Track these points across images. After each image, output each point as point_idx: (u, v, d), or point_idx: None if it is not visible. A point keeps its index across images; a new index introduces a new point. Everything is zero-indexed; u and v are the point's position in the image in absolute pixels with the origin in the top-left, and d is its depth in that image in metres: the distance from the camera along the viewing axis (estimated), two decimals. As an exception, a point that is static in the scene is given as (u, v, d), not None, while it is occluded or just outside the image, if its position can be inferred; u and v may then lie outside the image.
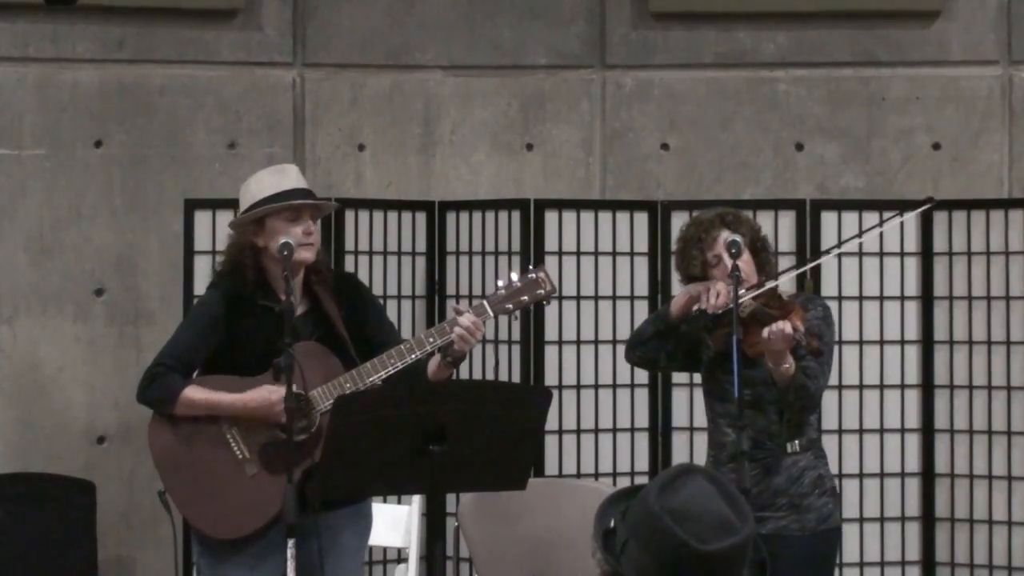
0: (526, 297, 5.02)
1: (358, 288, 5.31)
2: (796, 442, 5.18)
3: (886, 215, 6.60)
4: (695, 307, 5.13)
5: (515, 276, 5.04)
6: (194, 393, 5.02)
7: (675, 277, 5.43)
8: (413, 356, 4.96)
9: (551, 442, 6.74)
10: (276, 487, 4.94)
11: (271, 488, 4.97)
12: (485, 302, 5.01)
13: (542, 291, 5.03)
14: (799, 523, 5.15)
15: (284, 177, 5.13)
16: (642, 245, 6.88)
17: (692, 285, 5.20)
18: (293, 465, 4.74)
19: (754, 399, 5.09)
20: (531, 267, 5.13)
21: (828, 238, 6.78)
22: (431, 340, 4.96)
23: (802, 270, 5.83)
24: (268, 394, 4.96)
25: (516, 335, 6.78)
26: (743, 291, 4.96)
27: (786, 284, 5.52)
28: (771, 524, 5.11)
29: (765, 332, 4.91)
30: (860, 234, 6.30)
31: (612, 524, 2.76)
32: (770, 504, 5.11)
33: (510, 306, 5.01)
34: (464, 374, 6.81)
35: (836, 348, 6.65)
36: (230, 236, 5.22)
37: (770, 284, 5.17)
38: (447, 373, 5.04)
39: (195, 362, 5.14)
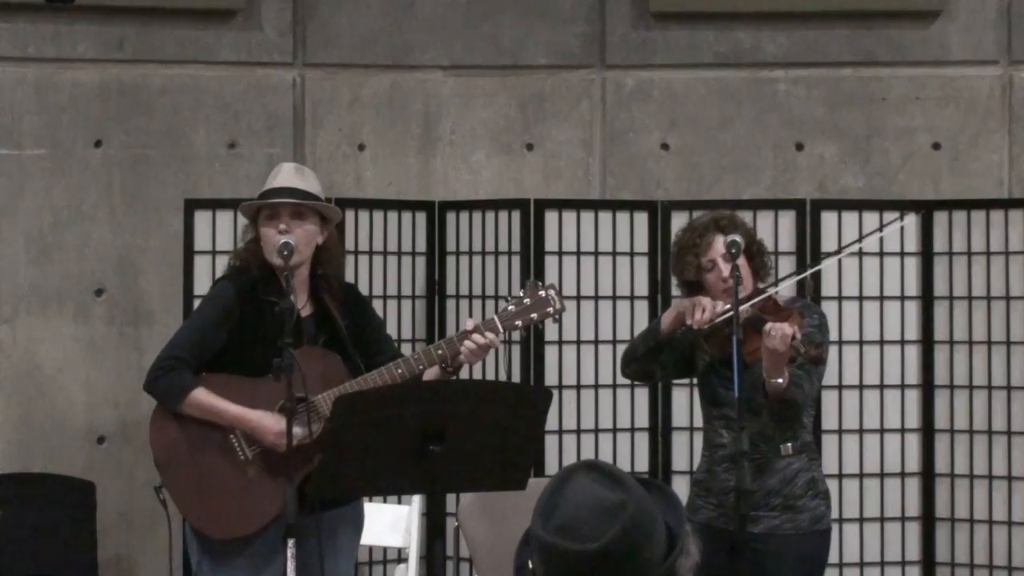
0: (535, 315, 5.04)
1: (359, 298, 5.33)
2: (790, 444, 5.19)
3: (885, 218, 6.62)
4: (681, 328, 5.16)
5: (525, 291, 5.05)
6: (203, 396, 5.01)
7: (675, 278, 5.44)
8: (421, 367, 4.97)
9: (551, 442, 6.74)
10: (276, 489, 4.95)
11: (271, 490, 4.97)
12: (496, 318, 5.02)
13: (551, 309, 5.04)
14: (792, 523, 5.16)
15: (274, 176, 5.15)
16: (642, 245, 6.88)
17: (679, 301, 5.23)
18: (293, 466, 4.74)
19: (748, 402, 5.09)
20: (542, 284, 5.11)
21: (828, 238, 6.78)
22: (439, 352, 4.97)
23: (800, 276, 5.83)
24: (274, 423, 4.96)
25: (516, 335, 6.78)
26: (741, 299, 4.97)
27: (786, 288, 5.53)
28: (764, 524, 5.13)
29: (767, 326, 4.91)
30: (859, 239, 6.33)
31: (530, 565, 2.75)
32: (763, 504, 5.12)
33: (519, 323, 5.04)
34: (464, 373, 6.81)
35: (836, 348, 6.68)
36: (244, 231, 5.24)
37: (768, 292, 5.17)
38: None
39: (207, 354, 5.12)
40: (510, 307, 5.02)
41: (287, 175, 5.14)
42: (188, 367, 5.05)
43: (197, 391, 5.01)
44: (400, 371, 4.95)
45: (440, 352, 4.96)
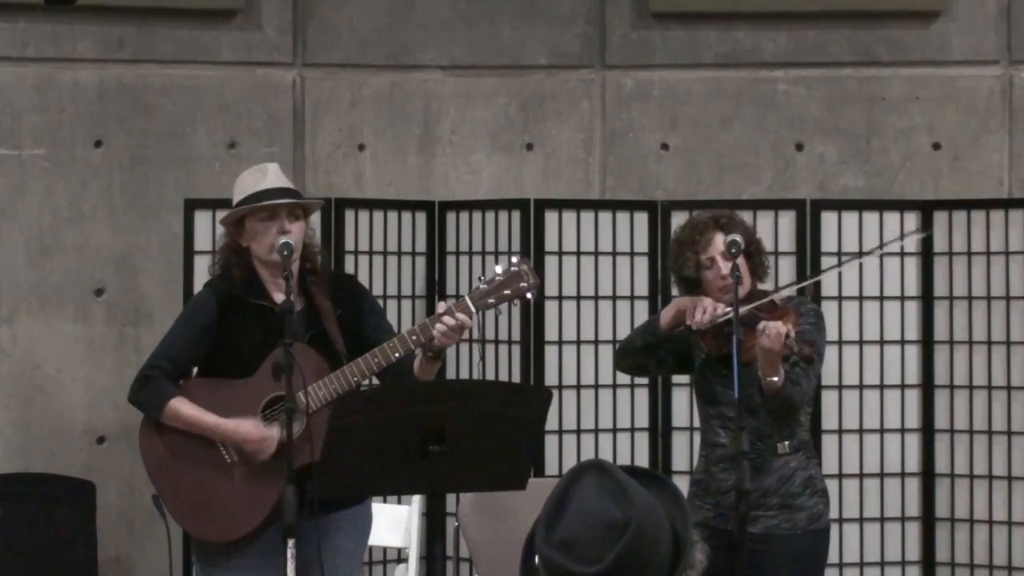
0: (509, 291, 4.95)
1: (355, 289, 5.31)
2: (787, 443, 5.18)
3: (886, 224, 6.64)
4: (680, 327, 5.15)
5: (498, 269, 5.00)
6: (182, 406, 5.03)
7: (673, 275, 5.44)
8: (396, 355, 4.94)
9: (551, 442, 6.74)
10: (265, 490, 4.96)
11: (261, 491, 4.97)
12: (467, 298, 4.97)
13: (525, 284, 4.95)
14: (790, 522, 5.16)
15: (262, 176, 5.15)
16: (642, 245, 6.88)
17: (679, 299, 5.22)
18: (290, 465, 4.74)
19: (745, 400, 5.09)
20: (512, 260, 5.03)
21: (828, 238, 6.78)
22: (414, 338, 4.94)
23: (802, 285, 5.83)
24: (252, 430, 4.98)
25: (516, 335, 6.78)
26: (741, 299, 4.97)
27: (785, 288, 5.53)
28: (761, 523, 5.13)
29: (760, 325, 4.92)
30: (860, 255, 6.35)
31: (536, 561, 2.75)
32: (761, 504, 5.12)
33: (492, 301, 4.96)
34: (454, 373, 6.81)
35: (836, 348, 6.69)
36: (221, 237, 5.25)
37: (770, 297, 5.17)
38: (432, 368, 5.02)
39: (189, 363, 5.16)
40: (482, 286, 4.98)
41: (276, 175, 5.17)
42: (168, 377, 5.07)
43: (175, 402, 5.03)
44: (376, 360, 4.93)
45: (415, 338, 4.93)
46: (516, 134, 7.36)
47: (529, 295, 5.00)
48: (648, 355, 5.30)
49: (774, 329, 4.90)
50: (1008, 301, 6.74)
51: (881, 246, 6.26)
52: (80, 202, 7.11)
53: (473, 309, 4.93)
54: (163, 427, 5.08)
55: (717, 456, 5.22)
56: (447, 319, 4.89)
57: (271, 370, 4.77)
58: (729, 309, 5.01)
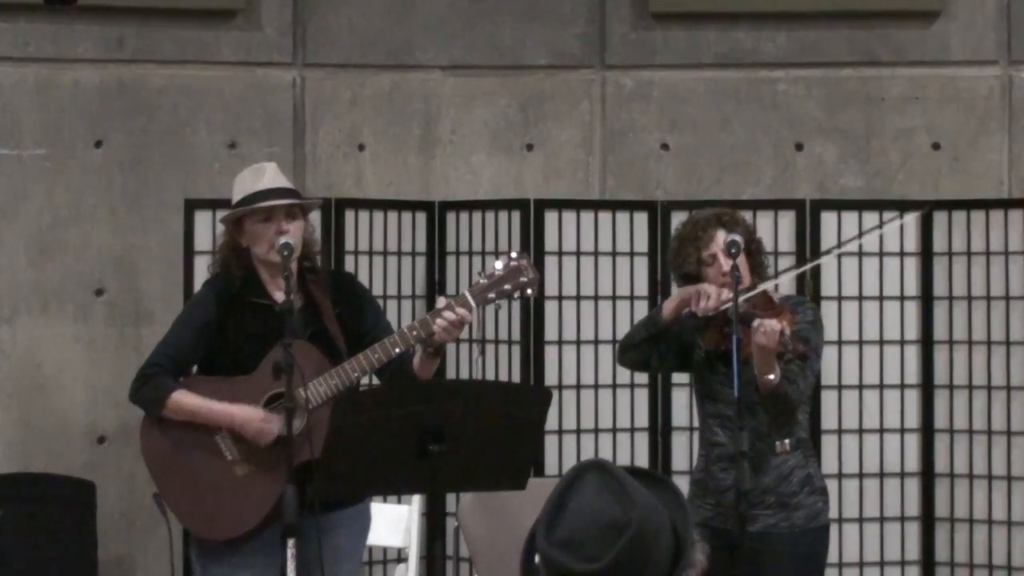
0: (508, 286, 4.97)
1: (354, 287, 5.32)
2: (785, 441, 5.19)
3: (886, 217, 6.63)
4: (685, 310, 5.15)
5: (498, 265, 5.01)
6: (184, 398, 5.03)
7: (673, 271, 5.44)
8: (397, 351, 4.95)
9: (551, 442, 6.74)
10: (266, 487, 4.96)
11: (261, 488, 4.98)
12: (467, 292, 4.98)
13: (525, 279, 4.97)
14: (788, 521, 5.17)
15: (260, 177, 5.15)
16: (642, 245, 6.88)
17: (683, 288, 5.23)
18: (290, 464, 4.74)
19: (743, 399, 5.09)
20: (511, 255, 5.04)
21: (828, 238, 6.78)
22: (414, 333, 4.95)
23: (800, 270, 5.84)
24: (256, 413, 4.97)
25: (516, 335, 6.78)
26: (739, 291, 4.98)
27: (785, 285, 5.53)
28: (760, 522, 5.13)
29: (755, 322, 4.93)
30: (859, 235, 6.33)
31: (536, 560, 2.75)
32: (759, 502, 5.12)
33: (492, 295, 4.97)
34: (454, 372, 6.82)
35: (836, 348, 6.69)
36: (220, 236, 5.27)
37: (766, 284, 5.18)
38: (432, 364, 5.03)
39: (189, 361, 5.16)
40: (482, 280, 4.99)
41: (274, 175, 5.17)
42: (168, 374, 5.08)
43: (176, 394, 5.03)
44: (376, 355, 4.94)
45: (415, 333, 4.94)
46: (516, 134, 7.36)
47: (529, 290, 5.02)
48: (651, 348, 5.29)
49: (769, 326, 4.91)
50: (1008, 301, 6.74)
51: (880, 225, 6.23)
52: (80, 202, 7.11)
53: (473, 303, 4.94)
54: (164, 425, 5.08)
55: (716, 455, 5.22)
56: (447, 314, 4.90)
57: (271, 368, 4.78)
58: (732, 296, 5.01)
